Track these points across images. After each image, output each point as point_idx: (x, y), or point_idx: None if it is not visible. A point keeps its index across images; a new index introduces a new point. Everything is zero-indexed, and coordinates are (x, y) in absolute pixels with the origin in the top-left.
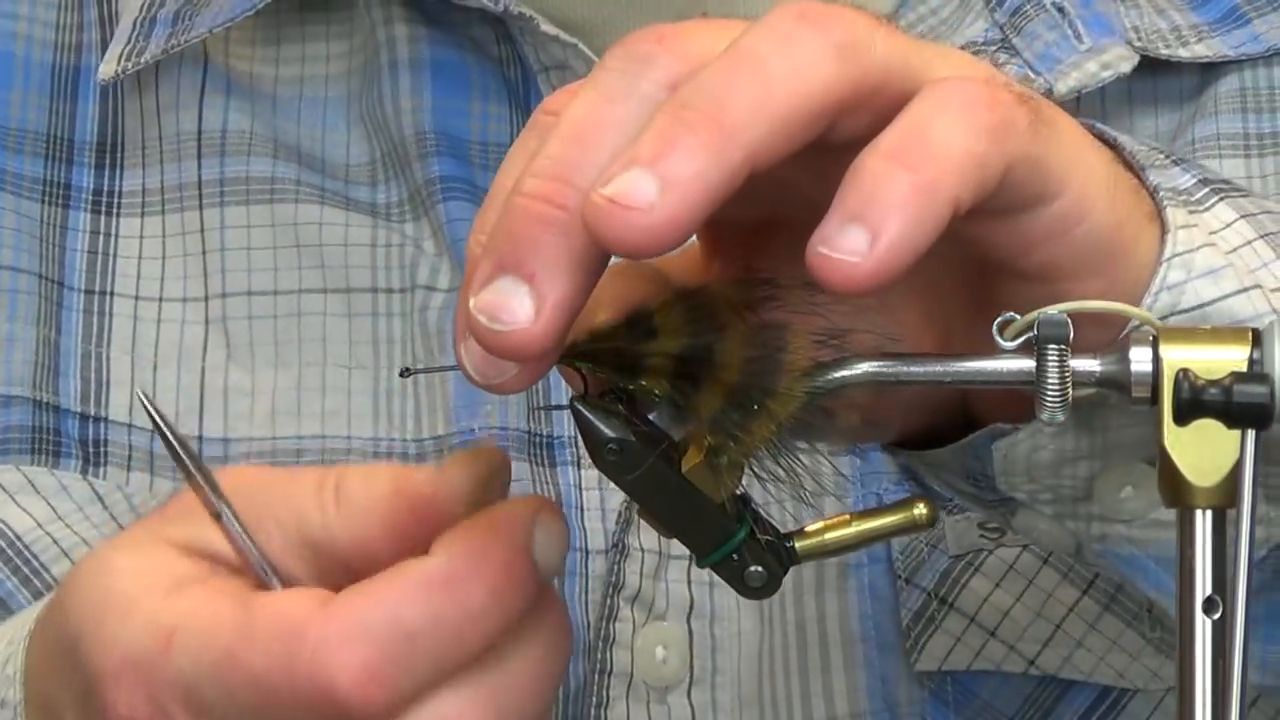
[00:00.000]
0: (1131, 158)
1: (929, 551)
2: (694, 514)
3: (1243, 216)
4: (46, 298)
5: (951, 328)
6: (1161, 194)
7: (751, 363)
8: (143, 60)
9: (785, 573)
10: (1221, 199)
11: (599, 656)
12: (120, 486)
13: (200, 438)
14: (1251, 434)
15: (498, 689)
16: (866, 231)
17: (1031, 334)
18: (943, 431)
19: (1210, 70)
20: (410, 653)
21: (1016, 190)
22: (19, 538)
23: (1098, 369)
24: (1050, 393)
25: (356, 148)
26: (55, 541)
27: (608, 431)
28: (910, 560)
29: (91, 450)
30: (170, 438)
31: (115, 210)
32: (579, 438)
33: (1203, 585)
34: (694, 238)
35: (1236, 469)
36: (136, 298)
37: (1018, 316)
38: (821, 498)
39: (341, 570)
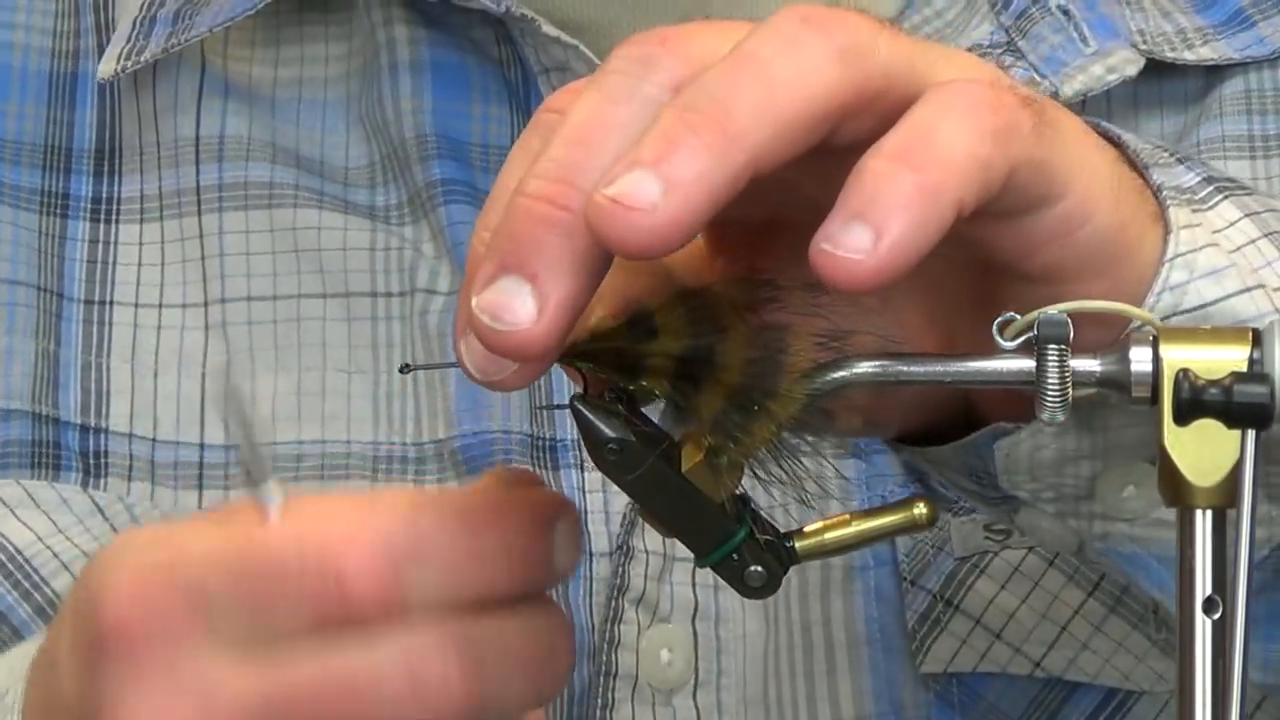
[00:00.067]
0: (1135, 156)
1: (934, 554)
2: (694, 514)
3: (1247, 215)
4: (45, 310)
5: (955, 329)
6: (1165, 193)
7: (752, 364)
8: (143, 59)
9: (785, 572)
10: (1226, 197)
11: (604, 659)
12: (121, 497)
13: (201, 445)
14: (1252, 434)
15: (485, 648)
16: (870, 230)
17: (1031, 334)
18: (944, 429)
19: (1215, 73)
20: (416, 563)
21: (1021, 193)
22: (19, 551)
23: (1098, 369)
24: (1050, 393)
25: (356, 150)
26: (55, 555)
27: (608, 431)
28: (916, 562)
29: (92, 462)
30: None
31: (114, 217)
32: (581, 440)
33: (1203, 585)
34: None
35: (1237, 469)
36: (136, 305)
37: (1018, 316)
38: (824, 500)
39: None
